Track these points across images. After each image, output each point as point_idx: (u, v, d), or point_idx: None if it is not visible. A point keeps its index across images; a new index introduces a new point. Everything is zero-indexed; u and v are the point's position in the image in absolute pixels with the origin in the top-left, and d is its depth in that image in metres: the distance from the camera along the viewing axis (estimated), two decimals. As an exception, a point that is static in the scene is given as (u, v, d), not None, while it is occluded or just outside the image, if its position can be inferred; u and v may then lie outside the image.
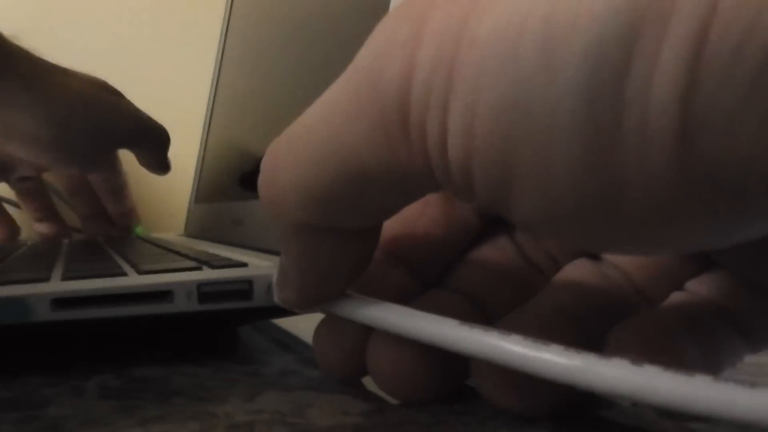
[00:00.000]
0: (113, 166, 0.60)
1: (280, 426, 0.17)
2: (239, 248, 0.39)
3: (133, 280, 0.24)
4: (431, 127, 0.14)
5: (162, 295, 0.23)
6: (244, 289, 0.24)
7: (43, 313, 0.22)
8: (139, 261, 0.30)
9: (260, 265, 0.27)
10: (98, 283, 0.23)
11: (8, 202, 0.67)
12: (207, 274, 0.25)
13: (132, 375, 0.23)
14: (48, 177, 0.64)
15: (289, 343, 0.28)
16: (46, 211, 0.64)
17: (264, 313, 0.25)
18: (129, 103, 0.54)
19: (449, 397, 0.19)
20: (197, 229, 0.59)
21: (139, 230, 0.66)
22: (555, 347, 0.15)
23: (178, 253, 0.35)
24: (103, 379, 0.22)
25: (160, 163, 0.58)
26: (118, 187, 0.62)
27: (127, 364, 0.24)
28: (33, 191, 0.62)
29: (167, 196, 0.89)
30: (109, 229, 0.64)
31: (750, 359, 0.23)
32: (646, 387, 0.13)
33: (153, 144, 0.56)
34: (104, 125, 0.51)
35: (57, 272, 0.28)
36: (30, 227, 0.89)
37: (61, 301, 0.22)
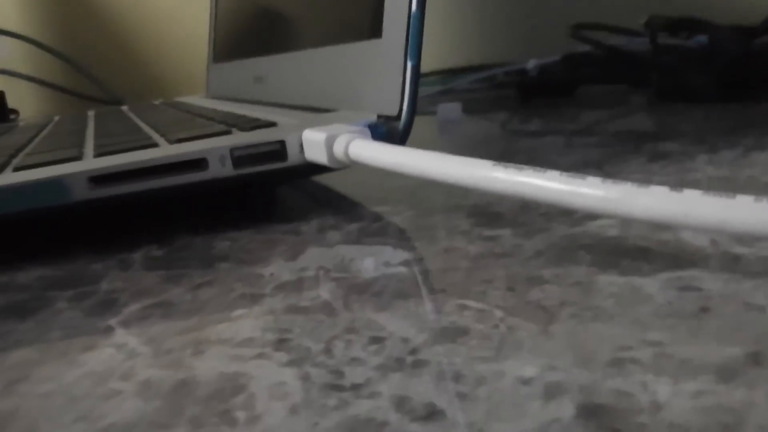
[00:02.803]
0: None
1: (326, 281, 0.18)
2: (265, 106, 0.39)
3: (166, 150, 0.24)
4: None
5: (196, 163, 0.23)
6: (276, 149, 0.24)
7: (82, 192, 0.23)
8: (169, 130, 0.30)
9: (290, 124, 0.26)
10: (133, 157, 0.23)
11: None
12: (238, 137, 0.25)
13: (175, 244, 0.23)
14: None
15: (324, 199, 0.28)
16: None
17: (299, 171, 0.25)
18: None
19: (487, 230, 0.20)
20: (219, 89, 0.58)
21: None
22: (592, 180, 0.15)
23: (205, 117, 0.35)
24: (147, 251, 0.23)
25: None
26: None
27: (169, 233, 0.25)
28: None
29: (183, 58, 0.88)
30: None
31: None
32: (686, 211, 0.13)
33: None
34: None
35: (89, 149, 0.28)
36: (51, 104, 0.90)
37: (98, 179, 0.23)
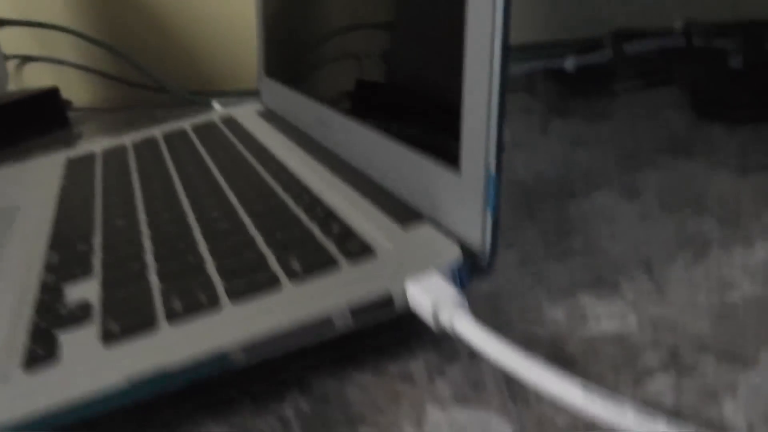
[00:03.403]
0: None
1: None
2: (338, 177, 0.43)
3: (297, 308, 0.29)
4: None
5: (324, 322, 0.29)
6: (387, 302, 0.29)
7: (238, 360, 0.28)
8: (271, 234, 0.34)
9: (389, 256, 0.31)
10: (275, 321, 0.28)
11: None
12: (352, 289, 0.29)
13: (313, 393, 0.28)
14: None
15: (428, 337, 0.33)
16: None
17: (407, 317, 0.30)
18: None
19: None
20: (274, 105, 0.61)
21: None
22: None
23: (289, 193, 0.39)
24: (294, 403, 0.28)
25: None
26: None
27: (302, 376, 0.30)
28: None
29: (229, 46, 0.89)
30: None
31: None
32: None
33: None
34: None
35: (215, 276, 0.33)
36: (99, 93, 0.92)
37: (249, 349, 0.28)
